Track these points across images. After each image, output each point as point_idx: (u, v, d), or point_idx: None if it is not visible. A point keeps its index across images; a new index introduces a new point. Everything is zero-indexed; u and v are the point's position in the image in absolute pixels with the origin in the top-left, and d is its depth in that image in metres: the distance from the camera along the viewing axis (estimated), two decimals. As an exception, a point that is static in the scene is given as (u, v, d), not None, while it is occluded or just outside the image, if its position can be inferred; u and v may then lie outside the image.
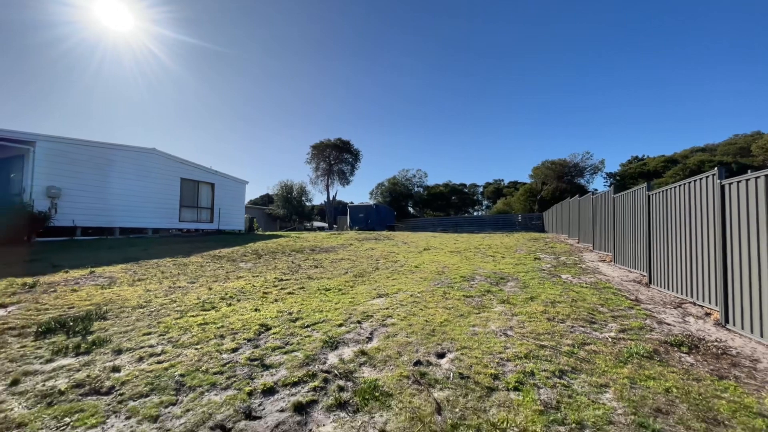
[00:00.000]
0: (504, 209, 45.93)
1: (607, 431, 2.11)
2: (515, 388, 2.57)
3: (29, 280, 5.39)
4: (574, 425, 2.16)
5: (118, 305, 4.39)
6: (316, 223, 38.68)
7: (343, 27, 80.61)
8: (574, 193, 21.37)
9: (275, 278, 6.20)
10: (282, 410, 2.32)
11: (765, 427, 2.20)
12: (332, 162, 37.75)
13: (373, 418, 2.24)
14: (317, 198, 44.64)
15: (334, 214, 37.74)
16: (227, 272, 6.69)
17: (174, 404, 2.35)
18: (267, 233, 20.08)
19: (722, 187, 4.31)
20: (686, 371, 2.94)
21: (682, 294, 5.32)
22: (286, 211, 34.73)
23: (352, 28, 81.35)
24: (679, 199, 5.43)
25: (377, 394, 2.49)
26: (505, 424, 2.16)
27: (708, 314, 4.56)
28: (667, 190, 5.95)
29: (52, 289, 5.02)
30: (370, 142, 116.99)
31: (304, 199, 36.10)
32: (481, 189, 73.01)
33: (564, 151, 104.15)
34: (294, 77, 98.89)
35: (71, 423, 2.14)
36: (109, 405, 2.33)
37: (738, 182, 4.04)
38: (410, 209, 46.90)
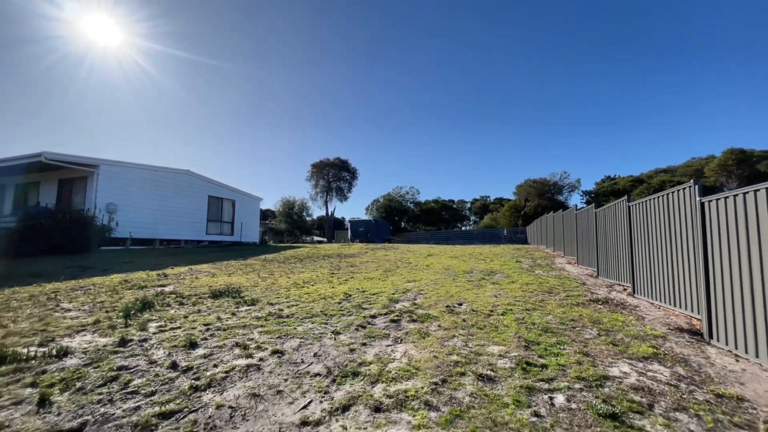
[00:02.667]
0: (491, 224, 49.00)
1: (546, 325, 4.42)
2: (502, 314, 4.87)
3: (158, 272, 7.45)
4: (530, 323, 4.47)
5: (239, 286, 6.52)
6: (316, 237, 40.73)
7: (333, 43, 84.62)
8: (554, 209, 24.17)
9: (328, 272, 8.40)
10: (384, 322, 4.55)
11: (617, 325, 4.56)
12: (331, 180, 40.24)
13: (432, 323, 4.49)
14: (315, 213, 46.89)
15: (332, 228, 39.97)
16: (289, 269, 8.85)
17: (328, 320, 4.56)
18: (280, 245, 22.08)
19: (629, 208, 6.82)
20: (595, 310, 5.30)
21: (614, 280, 7.75)
22: (288, 226, 36.77)
23: (344, 43, 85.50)
24: (610, 216, 7.94)
25: (430, 317, 4.75)
26: (497, 324, 4.46)
27: (625, 290, 6.99)
28: (606, 208, 8.48)
29: (182, 278, 7.11)
30: (360, 155, 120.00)
31: (304, 214, 38.27)
32: (468, 205, 76.40)
33: (545, 169, 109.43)
34: (284, 90, 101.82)
35: (284, 324, 4.33)
36: (296, 320, 4.52)
37: (635, 204, 6.55)
38: (404, 224, 49.60)
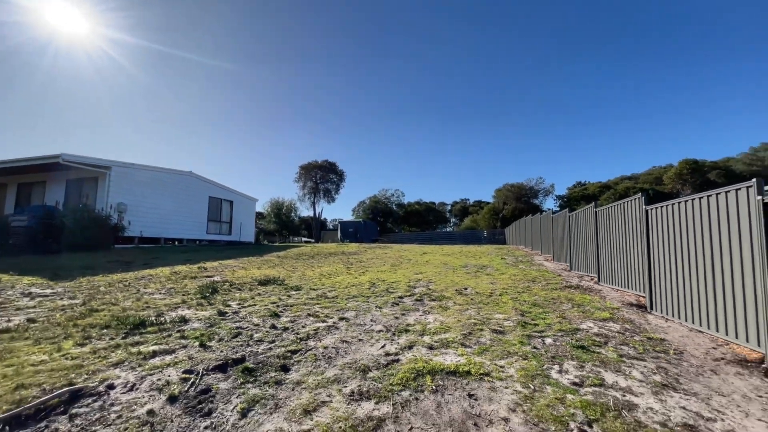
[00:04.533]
0: (471, 226, 51.22)
1: (534, 302, 5.81)
2: (500, 295, 6.25)
3: (197, 266, 8.36)
4: (522, 300, 5.86)
5: (276, 276, 7.59)
6: (304, 238, 41.36)
7: (311, 41, 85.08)
8: (530, 212, 26.17)
9: (344, 267, 9.56)
10: (411, 301, 5.81)
11: (586, 302, 6.03)
12: (318, 181, 41.04)
13: (448, 301, 5.80)
14: (302, 213, 47.23)
15: (319, 229, 40.76)
16: (307, 264, 9.94)
17: (368, 299, 5.77)
18: (276, 244, 22.84)
19: (596, 213, 8.40)
20: (569, 292, 6.78)
21: (584, 272, 9.35)
22: (277, 226, 37.27)
23: (321, 45, 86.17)
24: (581, 219, 9.55)
25: (445, 297, 6.06)
26: (497, 301, 5.82)
27: (592, 279, 8.58)
28: (577, 213, 10.10)
29: (220, 270, 8.08)
30: (339, 156, 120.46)
31: (293, 215, 38.84)
32: (449, 207, 78.82)
33: (520, 174, 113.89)
34: (264, 87, 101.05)
35: (335, 302, 5.50)
36: (342, 300, 5.70)
37: (600, 210, 8.13)
38: (389, 225, 51.06)
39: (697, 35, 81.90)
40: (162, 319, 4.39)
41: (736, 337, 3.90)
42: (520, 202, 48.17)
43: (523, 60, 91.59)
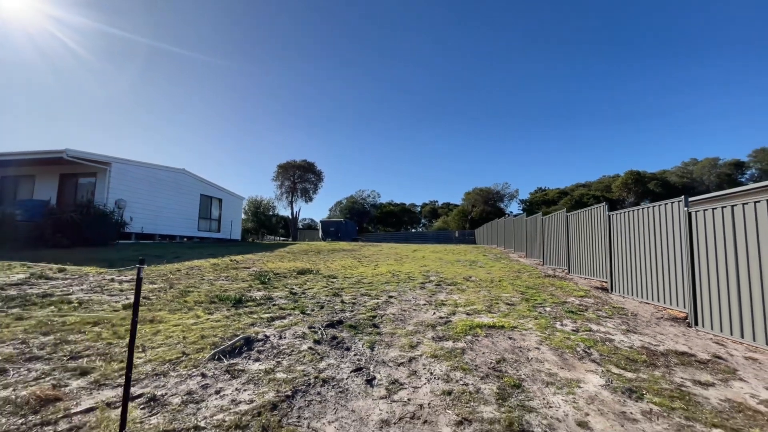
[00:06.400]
0: (443, 226, 53.84)
1: (527, 285, 7.42)
2: (499, 281, 7.81)
3: (228, 258, 9.16)
4: (517, 284, 7.45)
5: (305, 268, 8.63)
6: (281, 237, 41.40)
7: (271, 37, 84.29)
8: (496, 215, 28.53)
9: (356, 261, 10.73)
10: (432, 285, 7.18)
11: (565, 286, 7.75)
12: (296, 181, 41.29)
13: (462, 285, 7.24)
14: (279, 212, 46.85)
15: (296, 228, 41.08)
16: (320, 259, 10.98)
17: (399, 284, 7.06)
18: (266, 242, 23.28)
19: (567, 217, 10.28)
20: (550, 280, 8.49)
21: (556, 266, 11.25)
22: (255, 224, 37.12)
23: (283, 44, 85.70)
24: (554, 222, 11.46)
25: (457, 283, 7.50)
26: (499, 285, 7.36)
27: (563, 271, 10.46)
28: (550, 216, 12.03)
29: (252, 263, 8.95)
30: (312, 156, 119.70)
31: (271, 214, 38.82)
32: (419, 209, 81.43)
33: (488, 177, 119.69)
34: (241, 81, 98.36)
35: (374, 286, 6.74)
36: (378, 284, 6.94)
37: (573, 214, 10.01)
38: (365, 225, 52.33)
39: (643, 49, 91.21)
40: (250, 296, 5.41)
41: (671, 304, 5.67)
42: (487, 205, 51.39)
43: (490, 60, 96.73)
